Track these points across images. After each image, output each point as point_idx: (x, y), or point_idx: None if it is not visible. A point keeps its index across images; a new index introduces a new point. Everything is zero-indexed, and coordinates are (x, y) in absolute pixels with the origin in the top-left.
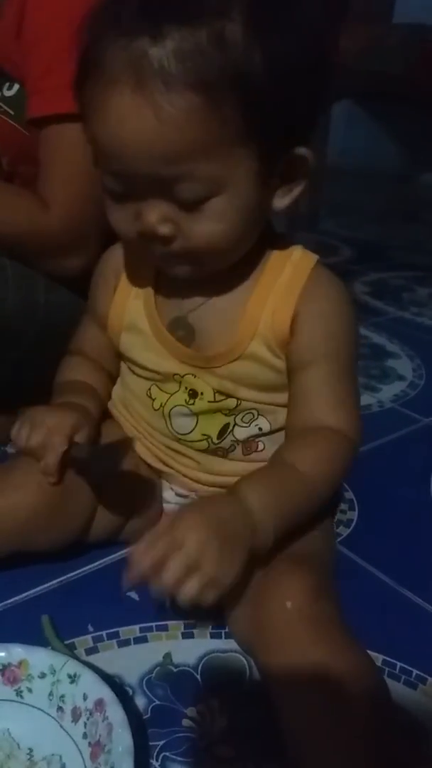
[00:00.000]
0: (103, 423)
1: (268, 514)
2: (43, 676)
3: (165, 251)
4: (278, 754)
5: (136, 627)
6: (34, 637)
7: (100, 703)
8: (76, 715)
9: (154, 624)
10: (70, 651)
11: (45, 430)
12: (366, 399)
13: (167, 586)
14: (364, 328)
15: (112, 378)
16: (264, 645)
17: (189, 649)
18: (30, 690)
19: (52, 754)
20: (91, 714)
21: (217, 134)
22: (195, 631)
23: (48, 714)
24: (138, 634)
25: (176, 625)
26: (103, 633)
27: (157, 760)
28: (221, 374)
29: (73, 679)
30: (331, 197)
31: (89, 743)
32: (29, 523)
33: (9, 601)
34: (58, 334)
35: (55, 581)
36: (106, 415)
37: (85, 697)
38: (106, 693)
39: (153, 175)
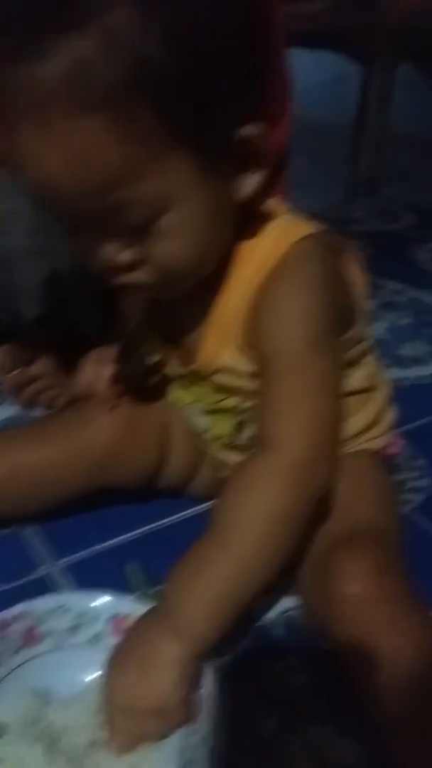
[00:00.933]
0: None
1: (190, 606)
2: None
3: (131, 280)
4: (359, 711)
5: None
6: (121, 585)
7: None
8: None
9: None
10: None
11: (89, 367)
12: None
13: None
14: (429, 295)
15: None
16: (332, 628)
17: (269, 604)
18: None
19: None
20: None
21: (139, 150)
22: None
23: None
24: None
25: None
26: None
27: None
28: (209, 383)
29: None
30: (393, 163)
31: None
32: (104, 458)
33: (97, 547)
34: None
35: (140, 530)
36: None
37: None
38: None
39: (87, 212)
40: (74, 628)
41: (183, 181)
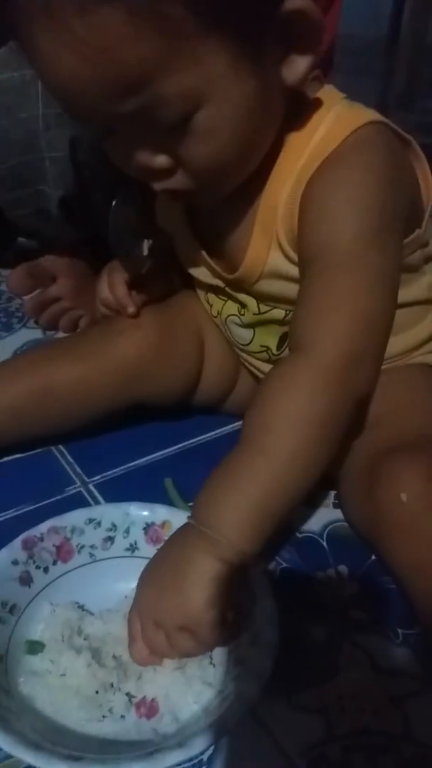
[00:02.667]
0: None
1: (226, 519)
2: None
3: (170, 186)
4: (411, 618)
5: None
6: (158, 499)
7: None
8: None
9: None
10: None
11: (105, 277)
12: None
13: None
14: None
15: None
16: (385, 541)
17: (312, 517)
18: None
19: None
20: None
21: (161, 42)
22: (315, 500)
23: None
24: None
25: None
26: None
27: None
28: (254, 292)
29: None
30: (430, 76)
31: None
32: (137, 371)
33: (132, 463)
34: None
35: (176, 447)
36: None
37: None
38: None
39: (115, 114)
40: (108, 540)
41: (219, 70)
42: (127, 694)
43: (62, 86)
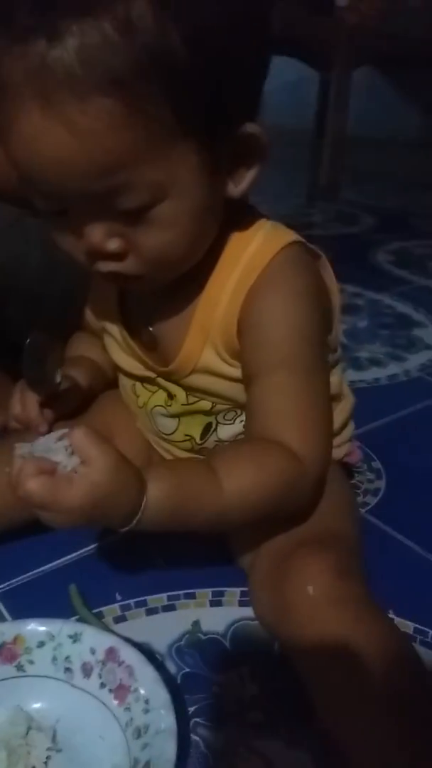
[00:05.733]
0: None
1: (156, 510)
2: (41, 645)
3: (117, 269)
4: (309, 719)
5: (164, 595)
6: (61, 608)
7: (111, 651)
8: (87, 671)
9: (181, 592)
10: (98, 620)
11: (16, 397)
12: (393, 368)
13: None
14: (389, 297)
15: None
16: (289, 630)
17: (217, 616)
18: (31, 662)
19: (73, 715)
20: (104, 663)
21: (146, 136)
22: (223, 599)
23: (56, 678)
24: (166, 602)
25: (204, 593)
26: (131, 602)
27: (188, 726)
28: (184, 384)
29: (75, 638)
30: (352, 166)
31: (109, 690)
32: None
33: (36, 571)
34: (78, 300)
35: (81, 551)
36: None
37: (93, 651)
38: (114, 640)
39: (84, 192)
40: None
41: (185, 171)
42: None
43: (40, 160)
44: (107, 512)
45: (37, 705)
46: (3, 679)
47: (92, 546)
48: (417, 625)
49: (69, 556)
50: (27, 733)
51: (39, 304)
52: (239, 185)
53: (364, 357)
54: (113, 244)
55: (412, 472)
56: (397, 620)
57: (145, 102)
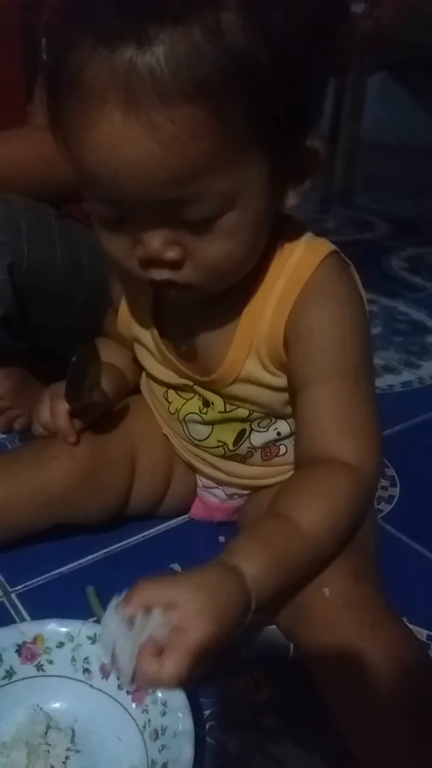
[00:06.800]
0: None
1: (264, 586)
2: (61, 645)
3: (172, 278)
4: (324, 724)
5: None
6: (79, 609)
7: None
8: (105, 672)
9: None
10: None
11: (45, 403)
12: (406, 376)
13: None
14: (403, 304)
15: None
16: (304, 632)
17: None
18: (51, 662)
19: (91, 715)
20: None
21: (225, 144)
22: None
23: (75, 679)
24: None
25: None
26: None
27: (204, 729)
28: (224, 394)
29: (94, 639)
30: (366, 172)
31: (127, 692)
32: (67, 494)
33: (54, 572)
34: (102, 303)
35: (99, 553)
36: (137, 390)
37: None
38: None
39: (154, 201)
40: None
41: (254, 184)
42: None
43: (116, 164)
44: (226, 630)
45: (56, 705)
46: (23, 678)
47: (109, 548)
48: (430, 632)
49: (87, 558)
50: (46, 733)
51: (66, 307)
52: (294, 198)
53: (379, 364)
54: (172, 253)
55: (427, 480)
56: (411, 627)
57: (228, 112)
